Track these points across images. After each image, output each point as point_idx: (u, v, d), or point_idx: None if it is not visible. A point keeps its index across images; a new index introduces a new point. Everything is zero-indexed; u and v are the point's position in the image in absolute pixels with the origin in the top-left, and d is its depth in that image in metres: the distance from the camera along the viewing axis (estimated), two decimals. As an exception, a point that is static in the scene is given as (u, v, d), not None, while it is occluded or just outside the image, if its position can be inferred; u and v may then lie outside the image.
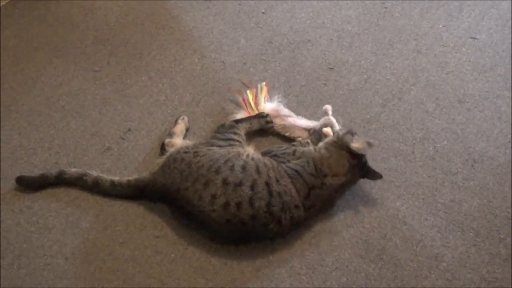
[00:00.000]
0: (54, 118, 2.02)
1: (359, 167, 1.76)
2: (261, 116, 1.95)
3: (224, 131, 1.87)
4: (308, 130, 1.92)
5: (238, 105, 2.02)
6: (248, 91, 2.01)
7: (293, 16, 2.45)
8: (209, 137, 1.87)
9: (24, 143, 1.93)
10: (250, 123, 1.94)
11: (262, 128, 1.96)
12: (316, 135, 1.88)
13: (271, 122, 1.95)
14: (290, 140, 1.95)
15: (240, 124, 1.91)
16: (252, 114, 1.96)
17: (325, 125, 1.88)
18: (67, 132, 1.97)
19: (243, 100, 2.00)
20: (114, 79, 2.16)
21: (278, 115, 1.97)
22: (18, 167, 1.84)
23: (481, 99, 2.14)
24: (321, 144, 1.81)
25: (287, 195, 1.64)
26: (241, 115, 1.97)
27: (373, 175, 1.78)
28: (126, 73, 2.19)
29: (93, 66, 2.21)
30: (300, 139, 1.91)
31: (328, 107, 1.92)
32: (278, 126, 1.96)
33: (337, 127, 1.87)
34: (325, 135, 1.83)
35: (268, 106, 1.98)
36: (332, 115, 1.89)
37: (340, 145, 1.76)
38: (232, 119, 1.95)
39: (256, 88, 2.02)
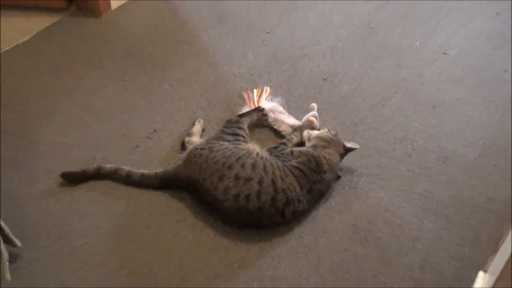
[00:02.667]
0: (90, 120, 2.02)
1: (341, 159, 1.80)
2: (258, 109, 1.99)
3: (230, 125, 1.87)
4: (293, 127, 1.95)
5: (243, 101, 2.06)
6: (254, 90, 2.06)
7: (292, 35, 2.45)
8: (219, 131, 1.88)
9: (66, 142, 1.93)
10: (251, 116, 1.96)
11: (259, 119, 1.99)
12: (300, 129, 1.92)
13: (266, 115, 1.98)
14: (277, 132, 1.98)
15: (243, 119, 1.92)
16: (253, 107, 2.01)
17: (313, 116, 1.90)
18: (102, 132, 1.98)
19: (248, 96, 2.05)
20: (140, 88, 2.16)
21: (273, 111, 1.99)
22: (61, 162, 1.84)
23: (452, 105, 2.14)
24: (314, 135, 1.82)
25: (291, 191, 1.63)
26: (245, 109, 2.00)
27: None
28: (151, 82, 2.19)
29: (123, 76, 2.21)
30: (284, 133, 1.95)
31: (314, 105, 1.95)
32: (271, 120, 1.99)
33: (295, 121, 1.95)
34: (310, 125, 1.88)
35: (267, 104, 2.02)
36: (324, 118, 1.91)
37: (338, 144, 1.78)
38: (238, 112, 1.99)
39: (262, 89, 2.06)
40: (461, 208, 1.78)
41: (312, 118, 1.89)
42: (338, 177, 1.82)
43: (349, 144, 1.80)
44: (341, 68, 2.29)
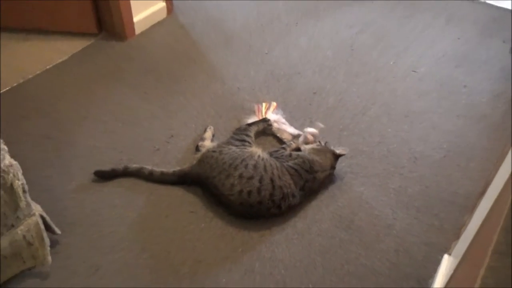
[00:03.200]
0: (117, 127, 2.03)
1: (334, 164, 1.79)
2: (264, 120, 1.99)
3: (239, 132, 1.87)
4: (293, 135, 1.95)
5: (253, 112, 2.06)
6: (263, 104, 2.06)
7: (287, 55, 2.46)
8: (229, 137, 1.88)
9: (97, 145, 1.94)
10: (258, 126, 1.96)
11: (265, 128, 1.99)
12: (299, 137, 1.92)
13: (271, 125, 1.98)
14: (279, 139, 1.98)
15: (251, 127, 1.92)
16: (260, 118, 2.01)
17: (311, 133, 1.91)
18: (127, 137, 1.98)
19: (258, 108, 2.05)
20: (159, 99, 2.17)
21: (277, 122, 2.00)
22: (92, 163, 1.85)
23: (420, 114, 2.15)
24: (307, 148, 1.82)
25: (287, 188, 1.64)
26: (252, 119, 2.01)
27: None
28: (168, 94, 2.20)
29: (144, 89, 2.22)
30: (285, 140, 1.95)
31: (320, 124, 1.96)
32: (275, 129, 1.99)
33: (295, 130, 1.96)
34: (308, 138, 1.89)
35: (272, 115, 2.02)
36: (310, 126, 1.92)
37: (328, 151, 1.79)
38: (246, 121, 1.99)
39: (269, 103, 2.07)
40: (429, 201, 1.79)
41: (309, 136, 1.90)
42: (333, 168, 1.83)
43: (338, 150, 1.80)
44: (328, 83, 2.30)
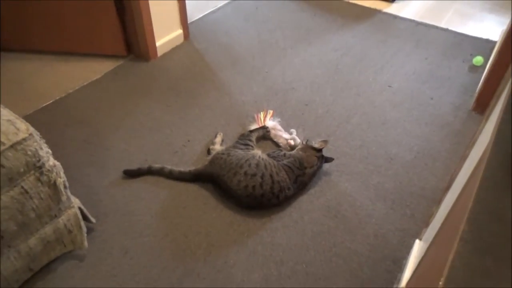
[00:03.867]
0: (144, 133, 2.02)
1: (321, 159, 1.77)
2: (263, 127, 1.97)
3: (243, 138, 1.86)
4: (287, 140, 1.93)
5: (253, 120, 2.06)
6: (262, 112, 2.05)
7: (284, 74, 2.45)
8: (234, 141, 1.87)
9: (127, 148, 1.93)
10: (258, 132, 1.94)
11: (264, 135, 1.98)
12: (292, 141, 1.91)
13: (269, 131, 1.97)
14: (276, 144, 1.96)
15: (253, 133, 1.91)
16: (260, 125, 2.00)
17: (292, 139, 1.92)
18: (152, 142, 1.97)
19: (257, 116, 2.04)
20: (179, 111, 2.16)
21: (274, 129, 1.99)
22: (123, 163, 1.85)
23: (395, 122, 2.14)
24: (298, 148, 1.81)
25: (283, 182, 1.63)
26: (253, 126, 2.00)
27: (329, 160, 1.81)
28: (186, 107, 2.19)
29: (166, 103, 2.21)
30: (281, 144, 1.94)
31: (293, 130, 1.97)
32: (272, 135, 1.98)
33: (298, 140, 1.91)
34: (291, 143, 1.88)
35: (270, 122, 2.01)
36: (306, 132, 1.90)
37: (309, 148, 1.77)
38: (249, 128, 1.97)
39: (267, 111, 2.06)
40: (402, 194, 1.78)
41: (290, 141, 1.90)
42: (331, 159, 1.81)
43: (317, 144, 1.78)
44: (317, 96, 2.28)
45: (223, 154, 1.73)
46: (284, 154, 1.76)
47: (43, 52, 2.45)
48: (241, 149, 1.77)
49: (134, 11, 2.30)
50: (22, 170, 1.16)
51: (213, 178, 1.72)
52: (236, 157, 1.68)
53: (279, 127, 2.01)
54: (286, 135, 1.97)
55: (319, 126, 2.09)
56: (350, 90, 2.34)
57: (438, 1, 3.28)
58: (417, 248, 1.49)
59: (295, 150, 1.81)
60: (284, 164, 1.70)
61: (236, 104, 2.22)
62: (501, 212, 0.57)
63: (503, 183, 0.60)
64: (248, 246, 1.55)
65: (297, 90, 2.33)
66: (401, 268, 1.50)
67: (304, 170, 1.71)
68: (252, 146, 1.82)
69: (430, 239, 1.24)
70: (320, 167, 1.79)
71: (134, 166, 1.81)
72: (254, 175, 1.61)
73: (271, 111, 2.08)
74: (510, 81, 0.94)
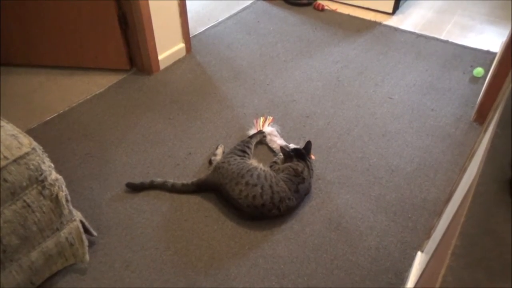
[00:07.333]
0: (147, 146, 2.03)
1: (301, 156, 1.78)
2: (261, 132, 2.01)
3: (242, 144, 1.88)
4: (281, 146, 1.94)
5: (253, 125, 2.09)
6: (261, 118, 2.09)
7: (285, 86, 2.47)
8: (232, 147, 1.89)
9: (129, 161, 1.95)
10: (256, 138, 1.98)
11: (261, 139, 2.01)
12: (282, 150, 1.89)
13: (265, 136, 2.00)
14: (271, 149, 1.99)
15: (252, 140, 1.94)
16: (258, 130, 2.04)
17: (285, 146, 1.95)
18: (154, 155, 1.98)
19: (256, 121, 2.08)
20: (181, 124, 2.18)
21: (271, 134, 2.02)
22: (126, 176, 1.86)
23: (395, 134, 2.14)
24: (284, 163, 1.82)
25: (283, 192, 1.64)
26: (252, 131, 2.02)
27: (308, 146, 1.83)
28: (188, 120, 2.20)
29: (169, 116, 2.22)
30: (275, 149, 1.97)
31: (292, 145, 1.98)
32: (268, 140, 2.01)
33: (283, 142, 1.97)
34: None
35: (268, 128, 2.04)
36: (304, 144, 1.90)
37: (286, 157, 1.80)
38: (249, 133, 2.01)
39: (266, 117, 2.10)
40: (404, 206, 1.77)
41: (269, 138, 1.98)
42: (309, 144, 1.83)
43: (290, 147, 1.85)
44: (318, 109, 2.30)
45: (223, 163, 1.74)
46: (279, 168, 1.77)
47: (48, 66, 2.49)
48: (239, 155, 1.79)
49: (137, 25, 2.34)
50: (24, 184, 1.17)
51: (215, 188, 1.73)
52: (237, 167, 1.70)
53: (275, 133, 2.03)
54: (280, 141, 1.99)
55: (320, 138, 2.10)
56: (351, 102, 2.35)
57: (438, 14, 3.32)
58: (419, 261, 1.48)
59: (285, 164, 1.81)
60: (283, 176, 1.71)
61: (238, 116, 2.23)
62: (493, 227, 0.58)
63: (495, 198, 0.61)
64: (249, 259, 1.55)
65: (298, 102, 2.34)
66: (403, 281, 1.49)
67: (301, 175, 1.72)
68: (248, 154, 1.84)
69: (432, 251, 1.24)
70: (309, 162, 1.78)
71: (136, 179, 1.82)
72: (255, 185, 1.62)
73: (270, 117, 2.11)
74: (506, 94, 0.95)
